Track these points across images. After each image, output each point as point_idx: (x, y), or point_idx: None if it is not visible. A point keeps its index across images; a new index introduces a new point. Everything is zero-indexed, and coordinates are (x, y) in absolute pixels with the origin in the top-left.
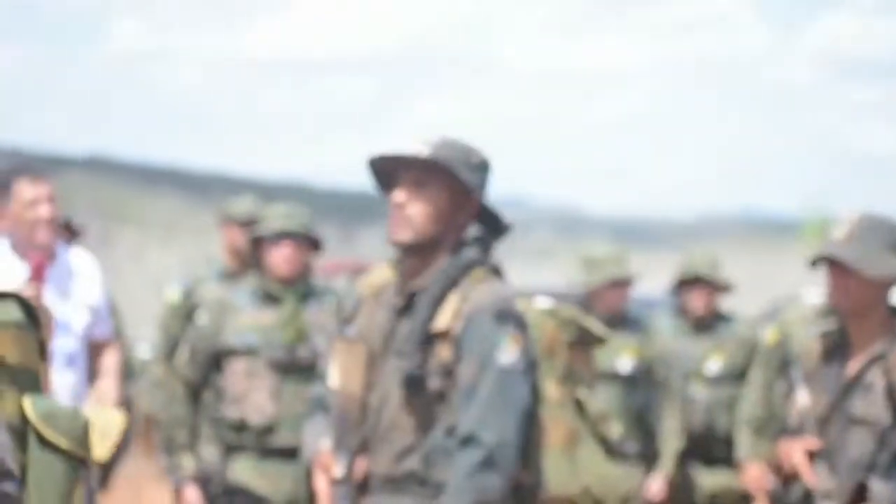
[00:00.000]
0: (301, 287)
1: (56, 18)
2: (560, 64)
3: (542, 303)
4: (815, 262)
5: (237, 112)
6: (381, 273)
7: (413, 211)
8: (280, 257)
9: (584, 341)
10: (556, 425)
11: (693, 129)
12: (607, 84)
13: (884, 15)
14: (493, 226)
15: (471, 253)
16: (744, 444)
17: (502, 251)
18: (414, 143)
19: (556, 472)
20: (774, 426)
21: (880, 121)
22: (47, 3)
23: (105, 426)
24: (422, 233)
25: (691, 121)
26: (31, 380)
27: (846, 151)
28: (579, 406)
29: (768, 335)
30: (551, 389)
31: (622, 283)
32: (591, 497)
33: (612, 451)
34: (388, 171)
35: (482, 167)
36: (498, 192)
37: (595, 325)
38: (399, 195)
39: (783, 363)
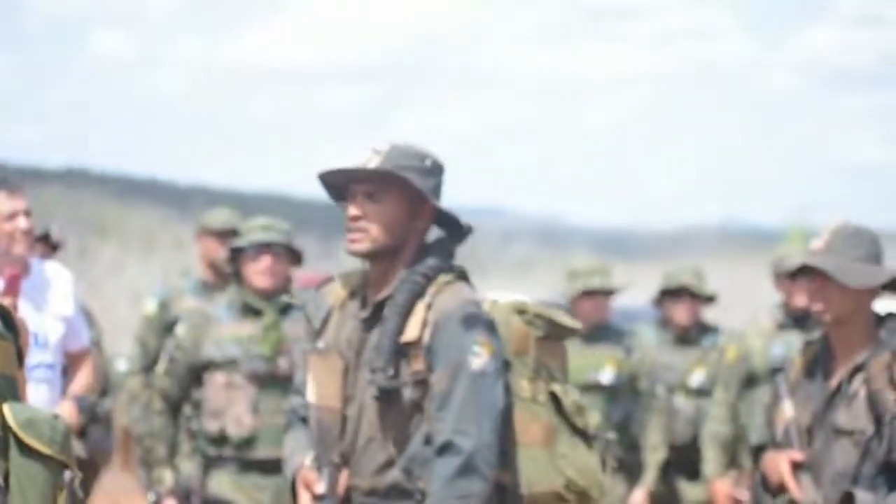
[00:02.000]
0: (281, 299)
1: (34, 29)
2: (544, 73)
3: (510, 300)
4: (794, 273)
5: (220, 122)
6: (343, 283)
7: (368, 222)
8: (259, 269)
9: (555, 335)
10: (533, 422)
11: (677, 140)
12: (591, 94)
13: (867, 25)
14: (453, 229)
15: (433, 259)
16: (710, 460)
17: (484, 262)
18: (364, 153)
19: (538, 469)
20: (740, 441)
21: (864, 131)
22: (26, 14)
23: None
24: (378, 243)
25: (675, 131)
26: (10, 387)
27: (830, 161)
28: (555, 400)
29: (728, 352)
30: (524, 386)
31: (600, 294)
32: (574, 489)
33: (590, 442)
34: (340, 182)
35: (435, 170)
36: (479, 201)
37: (564, 317)
38: (353, 209)
39: (747, 378)
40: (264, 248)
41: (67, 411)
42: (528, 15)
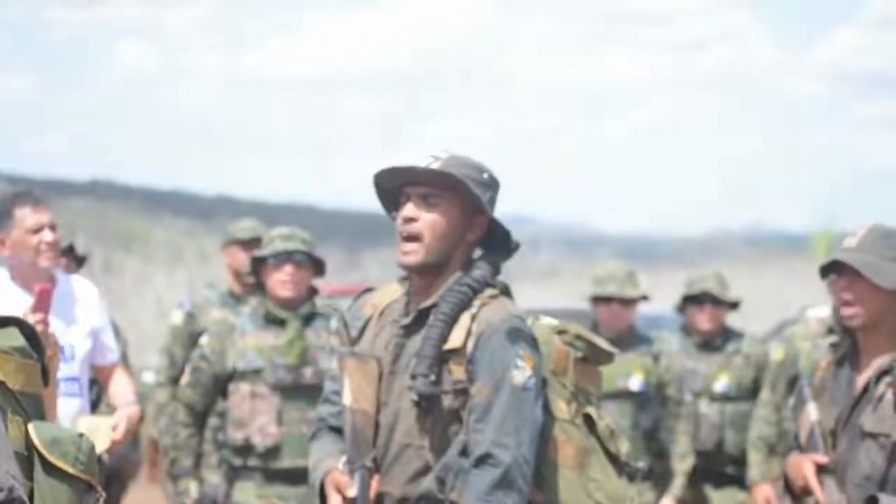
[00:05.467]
0: (304, 309)
1: (60, 42)
2: (568, 81)
3: (549, 320)
4: (825, 270)
5: (244, 133)
6: (385, 291)
7: (422, 226)
8: (281, 279)
9: (593, 358)
10: (567, 443)
11: (701, 146)
12: (615, 101)
13: (889, 28)
14: (503, 244)
15: (480, 272)
16: (754, 464)
17: (511, 269)
18: (423, 158)
19: (569, 490)
20: (785, 444)
21: (890, 136)
22: (51, 28)
23: (92, 429)
24: (432, 252)
25: (699, 137)
26: (36, 406)
27: (854, 166)
28: (589, 423)
29: (776, 353)
30: (561, 407)
31: (622, 302)
32: None
33: (621, 467)
34: (394, 190)
35: (492, 184)
36: (506, 209)
37: (602, 342)
38: (410, 210)
39: (792, 380)
40: (286, 257)
41: (127, 415)
42: (550, 23)
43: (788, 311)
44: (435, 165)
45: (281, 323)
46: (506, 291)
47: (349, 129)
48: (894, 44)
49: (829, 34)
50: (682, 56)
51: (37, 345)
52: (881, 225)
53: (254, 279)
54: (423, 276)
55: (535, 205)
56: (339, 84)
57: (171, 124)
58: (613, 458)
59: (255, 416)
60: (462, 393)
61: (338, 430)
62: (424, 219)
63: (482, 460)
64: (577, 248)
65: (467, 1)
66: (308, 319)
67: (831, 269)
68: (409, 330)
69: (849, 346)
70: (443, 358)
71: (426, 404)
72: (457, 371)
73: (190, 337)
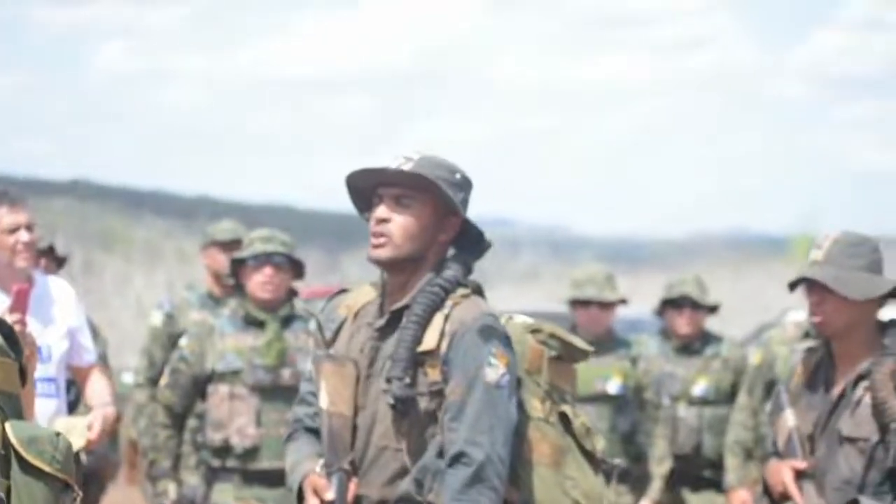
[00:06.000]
0: (283, 311)
1: (40, 42)
2: (550, 84)
3: (523, 319)
4: (793, 285)
5: (226, 134)
6: (359, 293)
7: (395, 227)
8: (260, 281)
9: (568, 356)
10: (542, 441)
11: (684, 149)
12: (598, 104)
13: (873, 31)
14: (475, 243)
15: (451, 272)
16: (731, 469)
17: (491, 271)
18: (395, 159)
19: (545, 488)
20: (762, 449)
21: (871, 138)
22: (32, 28)
23: (67, 429)
24: (403, 249)
25: (682, 140)
26: (13, 405)
27: (838, 169)
28: (565, 421)
29: (753, 357)
30: (535, 405)
31: (600, 305)
32: None
33: (597, 465)
34: (367, 190)
35: (464, 184)
36: (487, 211)
37: (577, 340)
38: (382, 210)
39: (769, 385)
40: (265, 259)
41: (102, 415)
42: (535, 26)
43: (768, 315)
44: (407, 167)
45: (260, 324)
46: (478, 290)
47: (329, 130)
48: (877, 46)
49: (810, 36)
50: (663, 59)
51: (15, 344)
52: (847, 233)
53: (233, 281)
54: (395, 274)
55: (517, 207)
56: (320, 85)
57: (152, 125)
58: (589, 456)
59: (233, 417)
60: (438, 394)
61: (314, 432)
62: (397, 220)
63: (456, 459)
64: (557, 251)
65: (453, 3)
66: (287, 321)
67: (800, 283)
68: (384, 332)
69: (825, 351)
70: (417, 360)
71: (402, 407)
72: (432, 373)
73: (169, 338)
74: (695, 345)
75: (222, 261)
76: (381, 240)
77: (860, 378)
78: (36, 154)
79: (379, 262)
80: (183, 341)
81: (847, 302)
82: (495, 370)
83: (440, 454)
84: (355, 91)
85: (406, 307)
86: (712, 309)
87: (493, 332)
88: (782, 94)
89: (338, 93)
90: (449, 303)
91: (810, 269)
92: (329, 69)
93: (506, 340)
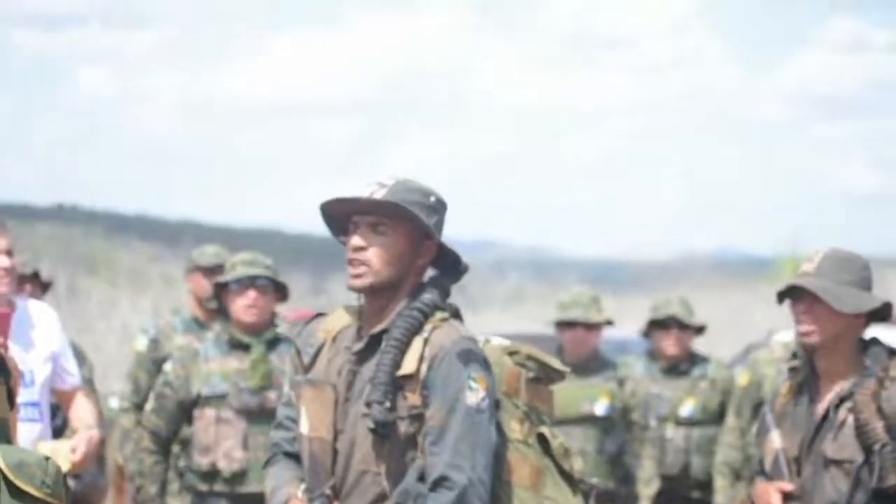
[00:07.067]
0: (268, 334)
1: (20, 67)
2: (533, 105)
3: (500, 341)
4: (782, 294)
5: (209, 157)
6: (337, 316)
7: (372, 255)
8: (244, 304)
9: (545, 378)
10: (522, 463)
11: (667, 169)
12: (582, 124)
13: (853, 52)
14: (452, 266)
15: (430, 295)
16: (720, 490)
17: (476, 294)
18: (369, 185)
19: None
20: (750, 469)
21: (853, 158)
22: (10, 52)
23: (52, 453)
24: (380, 277)
25: (665, 160)
26: (1, 429)
27: (819, 189)
28: (543, 442)
29: (740, 378)
30: (514, 427)
31: (581, 326)
32: None
33: (576, 485)
34: (342, 217)
35: (439, 207)
36: (472, 233)
37: (554, 361)
38: (357, 239)
39: (757, 405)
40: (249, 282)
41: (87, 438)
42: (513, 47)
43: (755, 335)
44: (380, 194)
45: (245, 348)
46: (456, 314)
47: (315, 152)
48: (857, 67)
49: (793, 57)
50: (647, 79)
51: (2, 368)
52: (837, 249)
53: (217, 304)
54: (373, 300)
55: (501, 229)
56: (305, 108)
57: (135, 149)
58: (568, 477)
59: (220, 441)
60: (417, 418)
61: (293, 456)
62: (374, 247)
63: (438, 483)
64: (542, 273)
65: (435, 24)
66: (272, 344)
67: (789, 294)
68: (362, 356)
69: (808, 370)
70: (397, 384)
71: (382, 431)
72: (411, 397)
73: (154, 363)
74: (682, 366)
75: (206, 286)
76: (361, 269)
77: (842, 400)
78: (19, 179)
79: (358, 291)
80: (167, 366)
81: (834, 314)
82: (475, 394)
83: (421, 478)
84: (339, 113)
85: (385, 331)
86: (699, 330)
87: (472, 356)
88: (763, 114)
89: (322, 115)
90: (428, 326)
91: (801, 278)
92: (312, 92)
93: (485, 364)
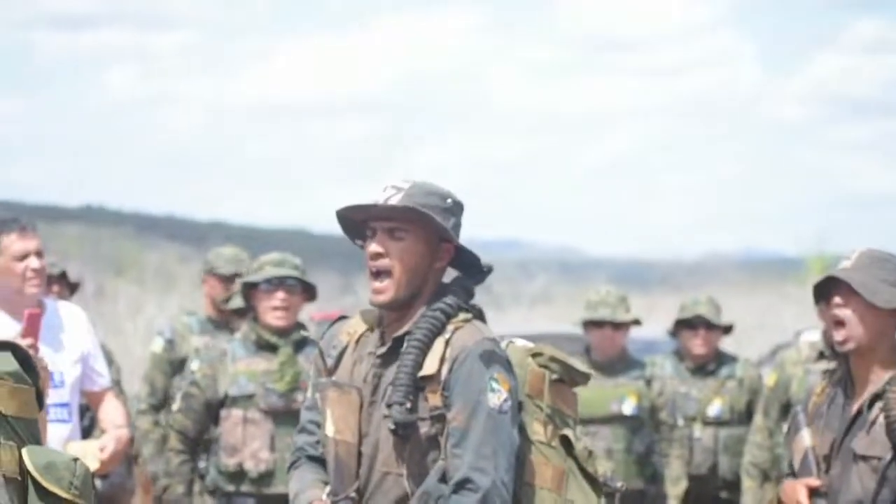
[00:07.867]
0: (295, 335)
1: (49, 68)
2: (557, 106)
3: (523, 343)
4: (819, 287)
5: (235, 158)
6: (359, 319)
7: (392, 261)
8: (273, 305)
9: (568, 380)
10: (545, 465)
11: (692, 170)
12: (605, 125)
13: (875, 53)
14: (474, 266)
15: (452, 297)
16: (747, 491)
17: (503, 294)
18: (385, 189)
19: None
20: (778, 469)
21: (873, 159)
22: (40, 54)
23: (81, 454)
24: (403, 286)
25: (690, 161)
26: (31, 431)
27: (841, 190)
28: (566, 444)
29: (768, 378)
30: (537, 429)
31: (614, 326)
32: None
33: (599, 488)
34: (359, 220)
35: (456, 209)
36: (497, 235)
37: (577, 363)
38: (375, 246)
39: (784, 406)
40: (278, 283)
41: (115, 437)
42: (535, 50)
43: (782, 335)
44: (396, 198)
45: (273, 349)
46: (479, 315)
47: (343, 153)
48: (879, 69)
49: (815, 58)
50: (672, 80)
51: (31, 369)
52: (874, 249)
53: (244, 304)
54: (396, 310)
55: (528, 229)
56: (333, 109)
57: (163, 149)
58: (591, 479)
59: (247, 441)
60: (439, 419)
61: (316, 460)
62: (392, 253)
63: (461, 485)
64: (569, 273)
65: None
66: (300, 345)
67: (825, 289)
68: (386, 359)
69: (843, 371)
70: (418, 385)
71: (403, 432)
72: (433, 398)
73: (170, 364)
74: (709, 365)
75: (221, 288)
76: (384, 283)
77: (876, 397)
78: (48, 181)
79: (382, 307)
80: (194, 365)
81: (871, 309)
82: (497, 395)
83: (443, 479)
84: (366, 115)
85: (408, 333)
86: (727, 329)
87: (494, 357)
88: (786, 115)
89: (350, 116)
90: (450, 328)
91: (838, 271)
92: (341, 93)
93: (507, 365)
